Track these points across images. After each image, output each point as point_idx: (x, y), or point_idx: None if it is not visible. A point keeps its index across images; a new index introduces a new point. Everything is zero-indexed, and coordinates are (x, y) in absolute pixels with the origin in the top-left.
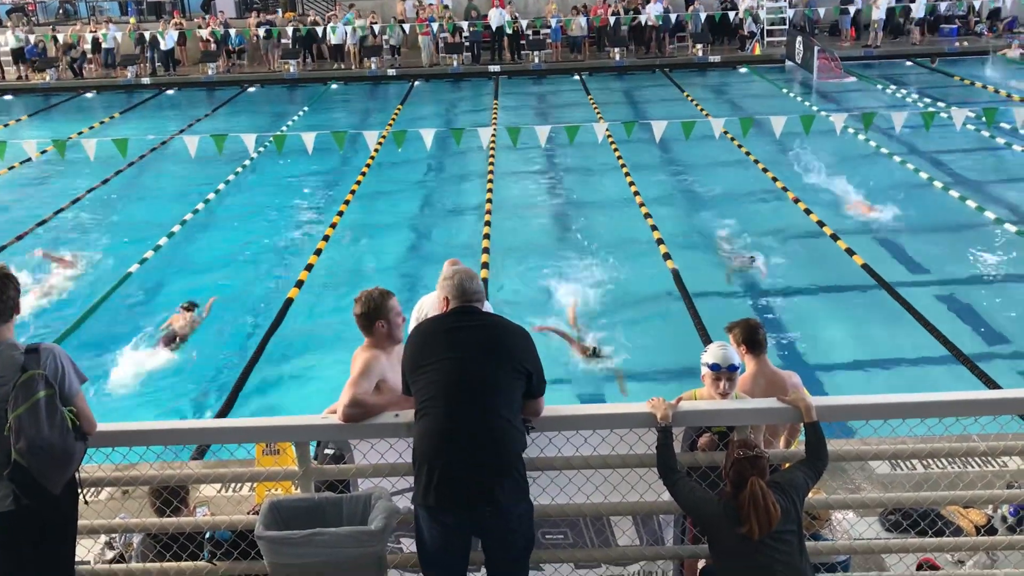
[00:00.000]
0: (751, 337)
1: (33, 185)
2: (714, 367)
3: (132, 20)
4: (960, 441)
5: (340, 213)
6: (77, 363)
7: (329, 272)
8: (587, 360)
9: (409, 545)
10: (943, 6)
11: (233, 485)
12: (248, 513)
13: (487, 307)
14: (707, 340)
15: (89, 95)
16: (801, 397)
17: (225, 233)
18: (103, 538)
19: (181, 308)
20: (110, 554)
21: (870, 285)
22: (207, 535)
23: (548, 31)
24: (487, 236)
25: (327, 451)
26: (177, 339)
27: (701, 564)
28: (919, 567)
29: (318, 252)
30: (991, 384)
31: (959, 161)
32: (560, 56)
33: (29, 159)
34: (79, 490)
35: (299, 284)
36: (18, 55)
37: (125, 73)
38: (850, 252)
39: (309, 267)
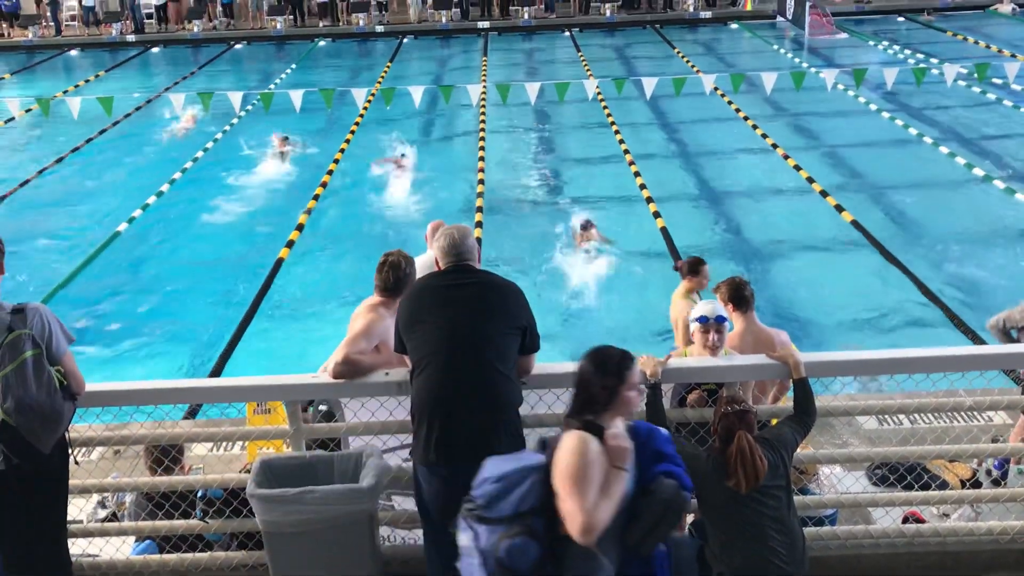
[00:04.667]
0: (737, 294)
1: (17, 144)
2: (702, 319)
3: None
4: (947, 396)
5: (329, 172)
6: (64, 321)
7: (319, 232)
8: None
9: (401, 502)
10: None
11: (225, 444)
12: (240, 472)
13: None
14: None
15: (73, 53)
16: (790, 353)
17: (214, 192)
18: (96, 497)
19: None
20: (103, 513)
21: (859, 242)
22: (199, 493)
23: None
24: (481, 195)
25: (320, 408)
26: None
27: (690, 519)
28: (905, 520)
29: (308, 211)
30: (978, 341)
31: (950, 117)
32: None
33: (12, 118)
34: (69, 450)
35: (289, 244)
36: None
37: (110, 30)
38: (839, 208)
39: (299, 227)
